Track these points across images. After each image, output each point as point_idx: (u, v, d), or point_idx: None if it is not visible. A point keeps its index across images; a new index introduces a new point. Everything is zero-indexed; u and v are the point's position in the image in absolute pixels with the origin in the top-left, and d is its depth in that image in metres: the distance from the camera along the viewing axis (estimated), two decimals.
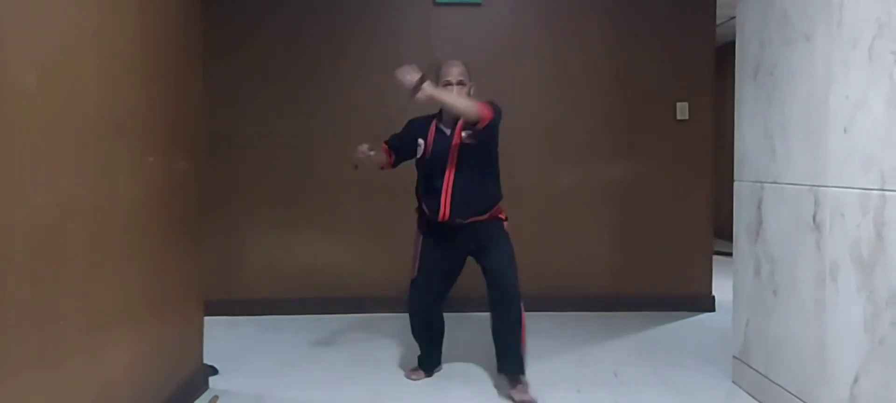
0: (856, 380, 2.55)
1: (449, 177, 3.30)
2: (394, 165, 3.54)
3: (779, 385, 3.10)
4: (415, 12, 5.09)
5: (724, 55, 5.45)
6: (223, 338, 4.22)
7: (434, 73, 3.32)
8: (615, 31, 5.14)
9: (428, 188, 3.38)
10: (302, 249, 5.07)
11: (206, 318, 3.52)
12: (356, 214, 5.08)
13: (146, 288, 2.78)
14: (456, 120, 3.36)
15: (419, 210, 3.50)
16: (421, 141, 3.43)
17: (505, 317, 3.30)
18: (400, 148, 3.49)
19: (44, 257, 2.05)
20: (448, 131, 3.39)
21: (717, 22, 5.24)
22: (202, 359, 3.45)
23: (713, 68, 5.18)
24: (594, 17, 5.14)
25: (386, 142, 3.49)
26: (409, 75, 3.15)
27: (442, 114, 3.43)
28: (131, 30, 2.65)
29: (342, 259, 5.09)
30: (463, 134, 3.31)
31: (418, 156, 3.44)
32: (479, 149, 3.32)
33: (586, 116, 5.11)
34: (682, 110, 5.13)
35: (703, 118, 5.14)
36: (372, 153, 3.35)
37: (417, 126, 3.48)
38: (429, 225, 3.43)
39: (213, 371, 3.58)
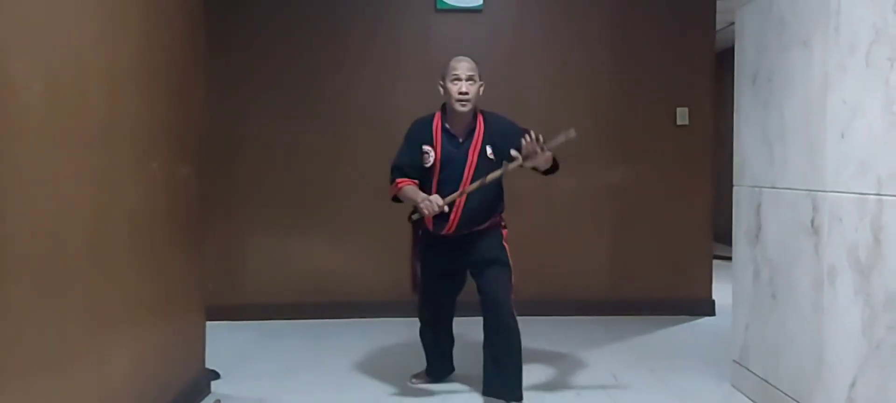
0: (853, 384, 2.57)
1: (460, 199, 3.13)
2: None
3: (778, 389, 3.11)
4: (416, 18, 5.11)
5: (724, 60, 5.47)
6: (225, 343, 4.24)
7: (563, 141, 3.00)
8: (615, 37, 5.16)
9: None
10: (303, 254, 5.09)
11: (208, 323, 3.54)
12: (357, 219, 5.10)
13: (149, 292, 2.79)
14: (469, 127, 3.20)
15: (414, 220, 3.29)
16: (428, 148, 3.21)
17: (499, 344, 3.20)
18: (415, 166, 3.23)
19: (48, 262, 2.07)
20: (460, 139, 3.21)
21: (717, 28, 5.27)
22: (204, 363, 3.47)
23: (713, 74, 5.21)
24: (595, 22, 5.16)
25: (403, 176, 3.23)
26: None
27: (447, 114, 3.24)
28: (135, 38, 2.67)
29: (343, 263, 5.11)
30: (488, 149, 3.16)
31: (427, 165, 3.21)
32: (496, 164, 3.18)
33: (587, 121, 5.12)
34: (682, 115, 5.15)
35: (703, 123, 5.17)
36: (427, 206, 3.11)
37: (420, 130, 3.26)
38: (426, 236, 3.31)
39: (215, 375, 3.59)
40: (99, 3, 2.38)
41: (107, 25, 2.44)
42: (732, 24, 3.69)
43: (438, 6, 5.08)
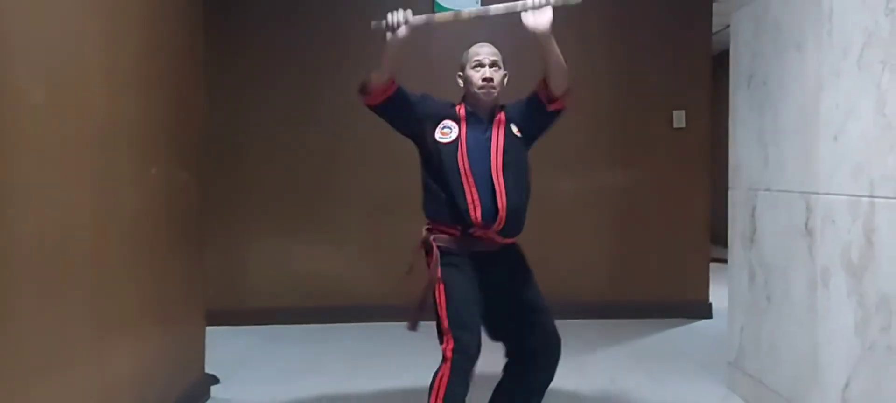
0: (847, 385, 2.59)
1: (499, 181, 2.57)
2: (384, 103, 2.71)
3: (773, 391, 3.13)
4: None
5: (720, 63, 5.50)
6: (224, 347, 4.25)
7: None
8: (613, 40, 5.19)
9: (464, 193, 2.57)
10: (303, 258, 5.11)
11: (209, 328, 3.56)
12: (357, 223, 5.12)
13: (149, 297, 2.82)
14: (492, 109, 2.70)
15: (438, 236, 2.63)
16: (450, 123, 2.66)
17: (547, 371, 2.75)
18: (404, 100, 2.70)
19: (50, 266, 2.09)
20: (485, 122, 2.68)
21: (713, 30, 5.29)
22: (204, 368, 3.49)
23: (709, 77, 5.24)
24: (592, 25, 5.18)
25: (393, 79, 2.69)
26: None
27: (468, 96, 2.74)
28: (136, 44, 2.70)
29: (343, 268, 5.13)
30: (513, 127, 2.68)
31: (445, 139, 2.64)
32: (524, 149, 2.72)
33: (584, 124, 5.14)
34: (679, 118, 5.18)
35: (700, 126, 5.20)
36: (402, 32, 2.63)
37: (439, 105, 2.74)
38: (452, 254, 2.60)
39: (215, 379, 3.61)
40: (99, 10, 2.41)
41: (107, 31, 2.46)
42: (728, 26, 3.72)
43: (436, 10, 5.10)
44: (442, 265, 2.58)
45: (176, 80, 3.11)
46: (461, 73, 2.79)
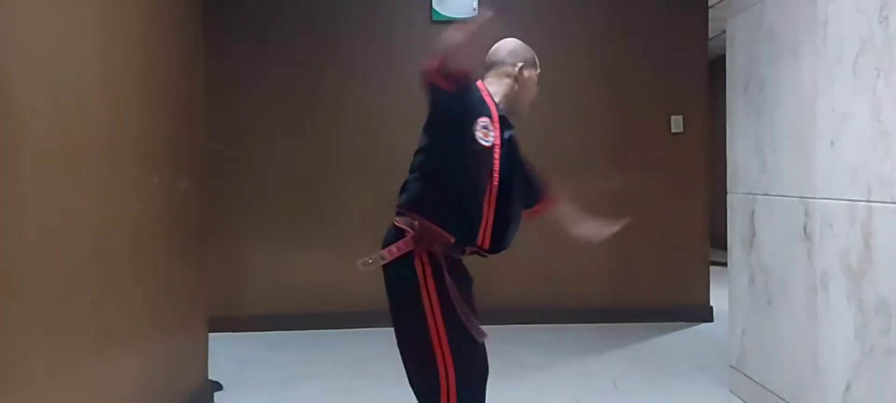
0: (848, 388, 2.60)
1: (511, 213, 2.29)
2: (457, 89, 2.16)
3: (774, 394, 3.15)
4: (412, 30, 5.16)
5: (717, 68, 5.53)
6: (227, 354, 4.26)
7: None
8: (610, 46, 5.22)
9: (481, 214, 2.21)
10: (305, 265, 5.12)
11: (211, 334, 3.57)
12: (358, 229, 5.12)
13: (152, 304, 2.83)
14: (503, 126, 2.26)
15: (438, 245, 2.16)
16: (487, 122, 2.18)
17: None
18: (467, 92, 2.20)
19: (54, 275, 2.11)
20: (511, 133, 2.30)
21: (709, 35, 5.33)
22: (207, 375, 3.50)
23: (706, 82, 5.27)
24: (589, 32, 5.22)
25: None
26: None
27: (509, 98, 2.32)
28: (136, 55, 2.72)
29: (345, 274, 5.12)
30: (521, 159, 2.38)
31: (485, 142, 2.16)
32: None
33: (582, 130, 5.18)
34: (677, 123, 5.21)
35: (698, 131, 5.23)
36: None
37: (479, 101, 2.23)
38: (445, 265, 2.17)
39: (218, 386, 3.62)
40: (101, 23, 2.43)
41: (109, 44, 2.49)
42: (725, 31, 3.74)
43: (434, 18, 5.14)
44: (439, 281, 2.16)
45: (177, 89, 3.14)
46: (517, 70, 2.35)
